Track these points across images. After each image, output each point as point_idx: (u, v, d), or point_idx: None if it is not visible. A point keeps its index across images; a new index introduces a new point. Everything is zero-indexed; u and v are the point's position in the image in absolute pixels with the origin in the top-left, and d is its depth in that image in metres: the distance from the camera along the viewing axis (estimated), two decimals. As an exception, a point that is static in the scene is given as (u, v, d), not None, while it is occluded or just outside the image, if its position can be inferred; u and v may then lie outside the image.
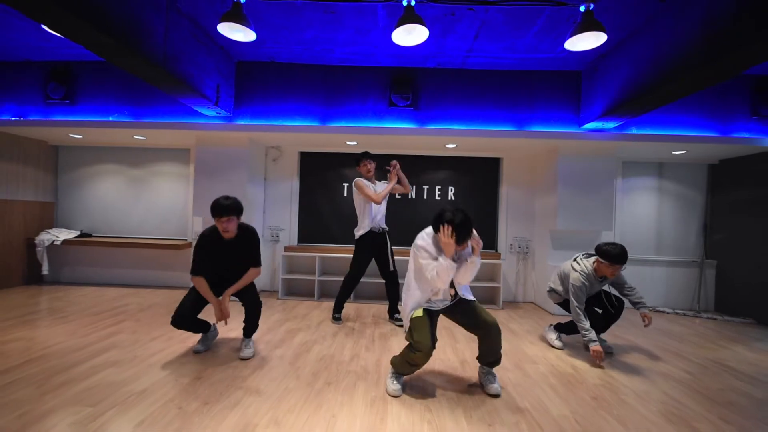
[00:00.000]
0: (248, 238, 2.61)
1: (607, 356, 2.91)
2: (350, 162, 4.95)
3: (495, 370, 2.35)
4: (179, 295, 4.31)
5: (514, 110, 4.01)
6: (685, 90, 2.78)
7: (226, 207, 2.42)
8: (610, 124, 3.73)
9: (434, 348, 2.09)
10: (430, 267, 2.07)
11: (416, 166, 4.93)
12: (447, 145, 4.45)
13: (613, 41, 3.29)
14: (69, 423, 1.75)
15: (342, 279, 3.74)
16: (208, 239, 2.55)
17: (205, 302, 2.63)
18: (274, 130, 4.04)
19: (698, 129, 3.90)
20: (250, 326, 2.69)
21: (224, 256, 2.59)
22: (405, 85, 3.95)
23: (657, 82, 2.81)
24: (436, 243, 2.14)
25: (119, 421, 1.78)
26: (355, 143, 4.49)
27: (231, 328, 3.23)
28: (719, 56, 2.31)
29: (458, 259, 2.14)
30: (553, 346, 3.07)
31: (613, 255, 2.69)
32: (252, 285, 2.70)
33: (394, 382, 2.20)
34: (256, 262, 2.64)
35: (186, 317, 2.54)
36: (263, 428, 1.76)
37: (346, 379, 2.34)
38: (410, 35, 2.83)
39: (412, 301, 2.21)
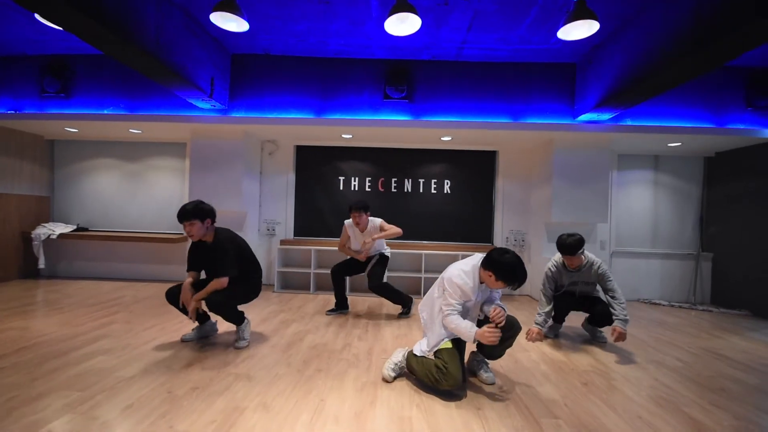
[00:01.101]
0: (218, 245, 2.56)
1: (600, 345, 2.92)
2: (346, 155, 4.97)
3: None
4: (175, 289, 4.32)
5: (509, 102, 4.00)
6: (678, 78, 2.77)
7: (185, 212, 2.48)
8: (605, 116, 3.72)
9: (465, 382, 2.09)
10: (452, 319, 2.01)
11: (412, 160, 4.93)
12: (442, 138, 4.45)
13: (607, 31, 3.28)
14: (58, 407, 1.75)
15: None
16: (194, 243, 2.66)
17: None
18: (269, 122, 4.04)
19: (693, 120, 3.89)
20: (229, 320, 2.63)
21: (206, 260, 2.64)
22: (400, 77, 3.95)
23: (650, 71, 2.81)
24: (476, 283, 2.05)
25: (108, 404, 1.78)
26: (351, 136, 4.49)
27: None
28: (711, 41, 2.30)
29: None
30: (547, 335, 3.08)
31: (558, 244, 2.80)
32: (219, 291, 2.54)
33: (394, 371, 2.18)
34: (221, 272, 2.50)
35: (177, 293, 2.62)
36: (252, 412, 1.76)
37: (337, 366, 2.34)
38: (403, 24, 2.83)
39: (436, 337, 2.10)
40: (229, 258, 2.54)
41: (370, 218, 3.57)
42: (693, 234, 4.77)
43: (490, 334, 1.92)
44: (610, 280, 2.80)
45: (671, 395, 2.09)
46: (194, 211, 2.48)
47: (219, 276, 2.51)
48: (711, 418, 1.86)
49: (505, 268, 1.94)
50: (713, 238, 4.65)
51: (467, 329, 1.97)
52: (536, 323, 2.81)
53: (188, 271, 2.67)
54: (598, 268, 2.82)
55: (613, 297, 2.77)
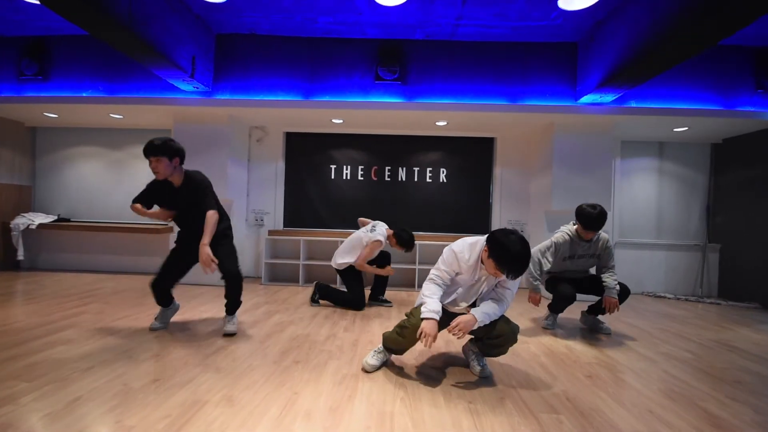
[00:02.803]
0: (193, 185, 2.41)
1: (604, 337, 2.73)
2: (338, 143, 4.77)
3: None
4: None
5: (508, 84, 3.80)
6: (685, 51, 2.58)
7: (153, 146, 2.28)
8: (608, 97, 3.52)
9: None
10: (428, 287, 1.86)
11: (406, 147, 4.73)
12: (437, 123, 4.25)
13: (611, 5, 3.08)
14: (-4, 399, 1.56)
15: (329, 263, 3.52)
16: (156, 181, 2.42)
17: (181, 268, 2.53)
18: (255, 105, 3.84)
19: (700, 103, 3.69)
20: (232, 303, 2.50)
21: (174, 203, 2.45)
22: (392, 57, 3.75)
23: (656, 44, 2.60)
24: (473, 259, 1.84)
25: (54, 396, 1.59)
26: (342, 121, 4.29)
27: (202, 310, 3.06)
28: (722, 5, 2.11)
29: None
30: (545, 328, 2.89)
31: (583, 216, 2.60)
32: (232, 255, 2.48)
33: (375, 357, 2.00)
34: (208, 206, 2.38)
35: (162, 279, 2.50)
36: (213, 406, 1.56)
37: (317, 357, 2.15)
38: (392, -8, 2.64)
39: (418, 301, 1.94)
40: (212, 192, 2.45)
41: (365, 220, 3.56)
42: (699, 224, 4.57)
43: (427, 335, 1.71)
44: (612, 257, 2.76)
45: (684, 388, 1.90)
46: (162, 147, 2.28)
47: (209, 209, 2.36)
48: (729, 412, 1.66)
49: (501, 247, 1.68)
50: (720, 228, 4.44)
51: (429, 308, 1.77)
52: (535, 287, 2.77)
53: (134, 202, 2.41)
54: (607, 241, 2.73)
55: (610, 271, 2.71)
